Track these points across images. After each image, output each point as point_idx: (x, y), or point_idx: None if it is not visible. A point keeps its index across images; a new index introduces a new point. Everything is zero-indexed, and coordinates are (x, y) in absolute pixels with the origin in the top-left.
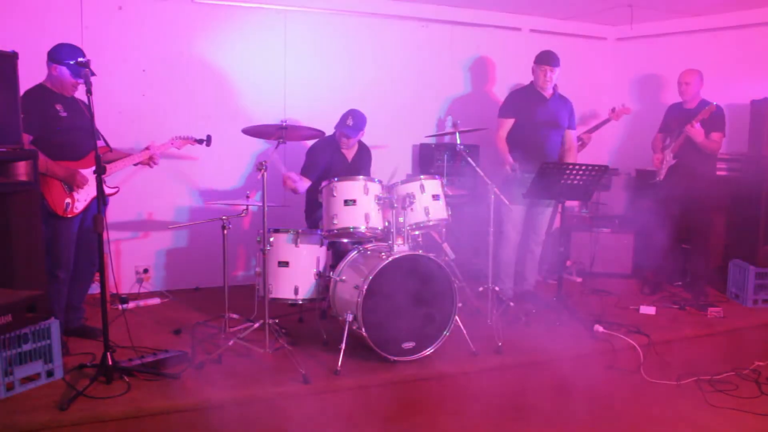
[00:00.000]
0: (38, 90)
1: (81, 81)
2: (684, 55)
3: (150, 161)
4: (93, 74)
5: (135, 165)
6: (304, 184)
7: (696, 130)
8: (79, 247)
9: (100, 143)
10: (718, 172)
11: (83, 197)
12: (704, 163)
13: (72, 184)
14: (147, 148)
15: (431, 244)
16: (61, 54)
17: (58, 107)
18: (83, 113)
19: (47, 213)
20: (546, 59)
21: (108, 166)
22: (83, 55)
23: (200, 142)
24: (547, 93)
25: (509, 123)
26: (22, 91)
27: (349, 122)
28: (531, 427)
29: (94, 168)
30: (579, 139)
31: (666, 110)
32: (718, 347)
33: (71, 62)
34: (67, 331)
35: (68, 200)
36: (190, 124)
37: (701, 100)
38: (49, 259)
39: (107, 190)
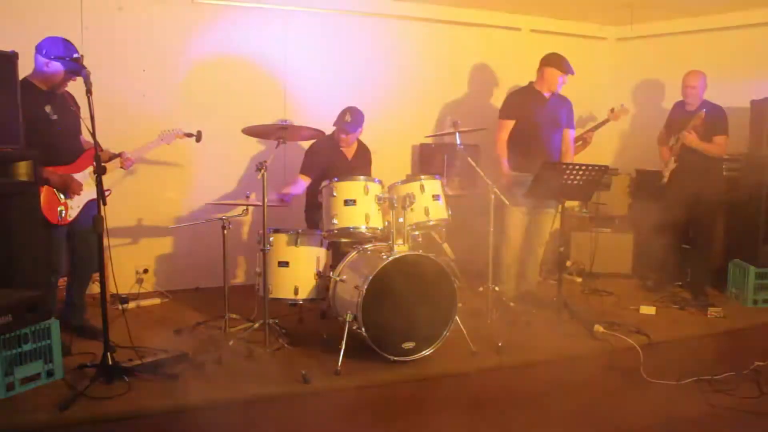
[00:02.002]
0: (25, 89)
1: (74, 78)
2: (684, 55)
3: (122, 165)
4: (87, 71)
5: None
6: (302, 185)
7: (690, 138)
8: (75, 248)
9: (87, 139)
10: None
11: (76, 203)
12: (707, 164)
13: (67, 192)
14: (119, 155)
15: (431, 244)
16: (57, 49)
17: (48, 109)
18: (72, 112)
19: (41, 221)
20: (567, 67)
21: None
22: (76, 51)
23: (190, 135)
24: (547, 93)
25: (510, 124)
26: None
27: (347, 118)
28: (531, 427)
29: (88, 171)
30: (580, 138)
31: (672, 107)
32: (718, 347)
33: (68, 59)
34: (69, 327)
35: (61, 208)
36: (190, 124)
37: (702, 101)
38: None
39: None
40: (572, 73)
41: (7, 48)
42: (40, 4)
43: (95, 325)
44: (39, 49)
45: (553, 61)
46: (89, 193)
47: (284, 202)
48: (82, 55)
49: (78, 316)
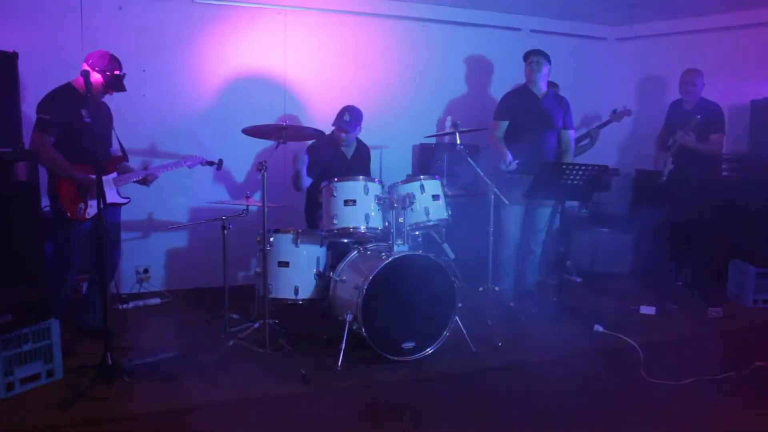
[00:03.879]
0: (66, 91)
1: (110, 92)
2: (684, 55)
3: (145, 181)
4: (124, 89)
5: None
6: (306, 181)
7: (687, 139)
8: (93, 250)
9: (117, 150)
10: None
11: (96, 203)
12: (704, 164)
13: (87, 193)
14: (145, 168)
15: (431, 244)
16: (102, 63)
17: (84, 112)
18: (105, 121)
19: (60, 215)
20: (529, 51)
21: (121, 177)
22: (120, 69)
23: (211, 164)
24: (540, 92)
25: (503, 125)
26: (44, 91)
27: (346, 117)
28: (531, 427)
29: (110, 176)
30: (588, 134)
31: (669, 107)
32: (718, 347)
33: (108, 73)
34: (86, 331)
35: (81, 204)
36: (190, 124)
37: (700, 99)
38: (58, 261)
39: (120, 200)
40: (536, 56)
41: (8, 48)
42: (40, 4)
43: (111, 327)
44: (87, 58)
45: (524, 56)
46: (111, 195)
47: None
48: (124, 74)
49: (94, 319)
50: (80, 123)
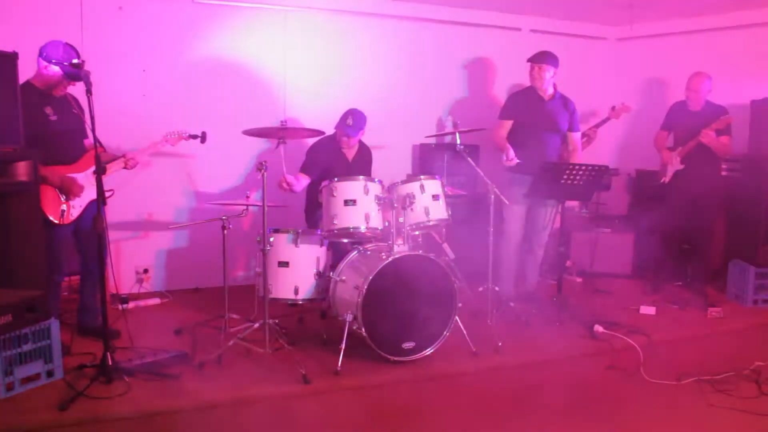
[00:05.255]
0: (26, 90)
1: (73, 83)
2: (684, 55)
3: (126, 166)
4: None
5: (124, 168)
6: (303, 182)
7: (711, 138)
8: (83, 249)
9: (91, 142)
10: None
11: (79, 203)
12: (710, 165)
13: (68, 194)
14: (123, 156)
15: (431, 244)
16: (57, 54)
17: (48, 110)
18: (74, 114)
19: (43, 220)
20: (532, 57)
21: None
22: (78, 56)
23: (194, 137)
24: (546, 94)
25: (507, 125)
26: None
27: (349, 122)
28: (531, 427)
29: (89, 171)
30: (585, 134)
31: (669, 108)
32: (718, 347)
33: (66, 64)
34: (83, 330)
35: (64, 207)
36: (190, 124)
37: (706, 102)
38: (46, 265)
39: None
40: (540, 62)
41: (8, 48)
42: (40, 4)
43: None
44: (40, 52)
45: (531, 57)
46: (92, 192)
47: (285, 188)
48: (83, 61)
49: (91, 318)
50: (45, 122)
